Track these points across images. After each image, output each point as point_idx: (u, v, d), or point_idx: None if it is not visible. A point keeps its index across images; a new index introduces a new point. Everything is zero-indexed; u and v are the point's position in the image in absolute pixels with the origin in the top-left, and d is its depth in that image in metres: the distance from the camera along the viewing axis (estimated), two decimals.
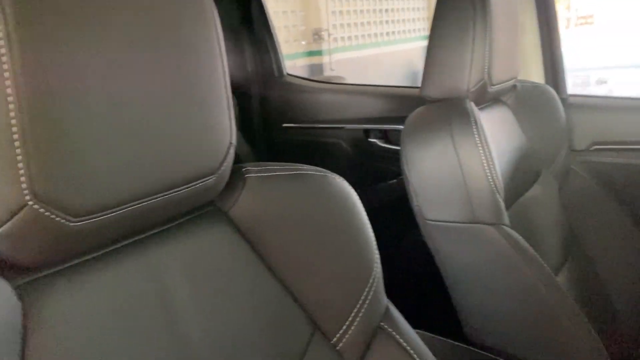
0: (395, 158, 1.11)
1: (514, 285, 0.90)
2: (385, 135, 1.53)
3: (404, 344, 0.64)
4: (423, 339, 0.67)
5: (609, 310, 1.16)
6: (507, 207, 1.01)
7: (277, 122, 1.75)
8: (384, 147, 1.52)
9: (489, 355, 0.92)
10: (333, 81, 1.83)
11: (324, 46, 5.72)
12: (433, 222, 0.95)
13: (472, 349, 0.94)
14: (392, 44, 6.92)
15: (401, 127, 1.01)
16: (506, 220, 0.92)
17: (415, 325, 0.68)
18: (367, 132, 1.56)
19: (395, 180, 1.49)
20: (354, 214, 0.63)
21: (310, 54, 5.69)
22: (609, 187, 1.31)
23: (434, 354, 0.66)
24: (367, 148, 1.55)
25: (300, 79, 1.78)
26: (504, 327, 0.93)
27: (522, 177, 1.13)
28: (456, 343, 0.96)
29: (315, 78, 1.91)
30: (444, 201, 0.93)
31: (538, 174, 1.20)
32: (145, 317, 0.48)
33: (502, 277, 0.91)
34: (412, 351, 0.64)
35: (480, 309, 0.95)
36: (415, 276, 1.22)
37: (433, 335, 0.88)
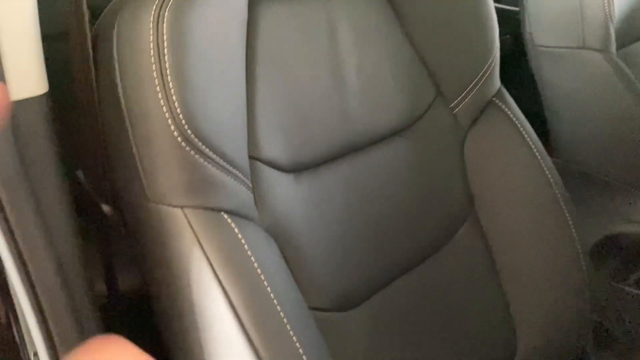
0: None
1: (612, 111, 0.97)
2: None
3: (514, 119, 0.74)
4: None
5: None
6: (621, 46, 1.04)
7: None
8: None
9: (581, 169, 1.02)
10: None
11: None
12: (543, 48, 1.02)
13: (563, 162, 1.04)
14: None
15: None
16: (614, 49, 0.97)
17: None
18: None
19: None
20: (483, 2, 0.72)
21: None
22: None
23: None
24: None
25: None
26: (597, 147, 1.01)
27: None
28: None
29: None
30: (557, 26, 0.98)
31: None
32: (318, 46, 0.60)
33: (604, 103, 0.98)
34: (520, 127, 0.74)
35: (577, 131, 1.03)
36: None
37: None
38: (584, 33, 0.96)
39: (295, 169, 0.56)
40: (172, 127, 0.42)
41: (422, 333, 0.65)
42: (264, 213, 0.52)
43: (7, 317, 0.50)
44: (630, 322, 0.89)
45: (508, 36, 1.51)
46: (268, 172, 0.53)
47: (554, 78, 1.03)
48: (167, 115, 0.42)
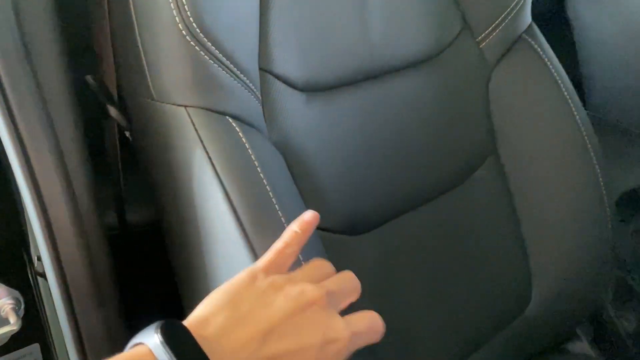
0: None
1: None
2: None
3: (545, 58, 0.71)
4: None
5: None
6: None
7: None
8: None
9: (614, 121, 0.98)
10: None
11: None
12: None
13: (596, 115, 1.01)
14: None
15: None
16: None
17: None
18: None
19: None
20: None
21: None
22: None
23: None
24: None
25: None
26: (632, 100, 0.97)
27: None
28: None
29: None
30: None
31: None
32: None
33: None
34: (552, 67, 0.71)
35: (612, 80, 0.98)
36: None
37: None
38: None
39: (309, 88, 0.55)
40: (178, 20, 0.41)
41: (431, 268, 0.64)
42: (273, 127, 0.51)
43: None
44: None
45: None
46: (279, 87, 0.52)
47: (591, 22, 0.97)
48: (172, 6, 0.41)
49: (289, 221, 0.41)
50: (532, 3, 0.72)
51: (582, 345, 0.78)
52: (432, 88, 0.65)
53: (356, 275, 0.58)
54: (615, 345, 0.81)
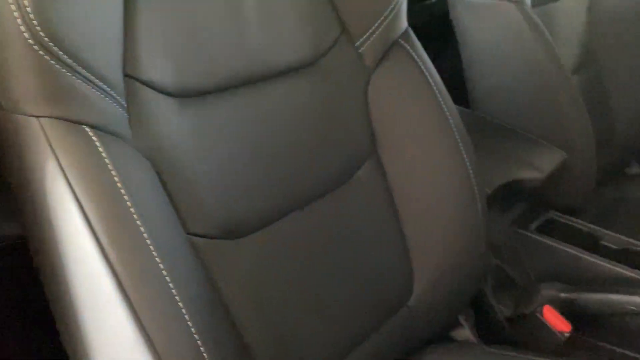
0: None
1: (524, 62, 1.00)
2: None
3: (418, 61, 0.74)
4: None
5: (609, 121, 1.26)
6: (535, 5, 1.07)
7: None
8: None
9: (493, 120, 1.05)
10: None
11: None
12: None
13: (476, 113, 1.07)
14: None
15: None
16: (528, 1, 0.99)
17: None
18: None
19: None
20: None
21: None
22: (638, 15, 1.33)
23: None
24: None
25: None
26: (508, 97, 1.04)
27: None
28: (462, 108, 1.09)
29: None
30: None
31: None
32: None
33: (515, 53, 1.00)
34: (424, 69, 0.74)
35: (490, 81, 1.05)
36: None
37: None
38: None
39: (182, 93, 0.54)
40: (23, 29, 0.40)
41: (316, 268, 0.65)
42: (140, 135, 0.50)
43: None
44: (528, 265, 0.94)
45: None
46: (147, 93, 0.51)
47: (472, 29, 1.04)
48: (16, 15, 0.39)
49: (149, 232, 0.41)
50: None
51: (464, 332, 0.83)
52: (311, 93, 0.66)
53: (238, 279, 0.59)
54: (495, 329, 0.87)
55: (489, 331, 0.87)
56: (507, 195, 0.96)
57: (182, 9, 0.55)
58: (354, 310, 0.69)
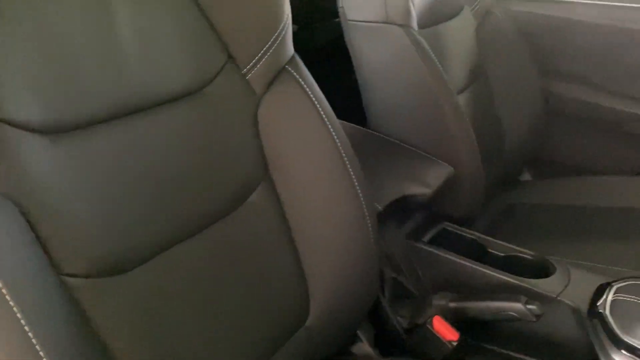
0: None
1: (412, 82, 1.05)
2: None
3: (305, 87, 0.77)
4: None
5: (499, 133, 1.35)
6: (424, 27, 1.13)
7: None
8: None
9: (387, 138, 1.10)
10: None
11: None
12: (353, 22, 1.07)
13: (374, 132, 1.12)
14: None
15: None
16: (414, 25, 1.05)
17: None
18: None
19: None
20: None
21: None
22: (524, 33, 1.44)
23: None
24: None
25: None
26: (399, 116, 1.09)
27: (443, 7, 1.24)
28: (360, 127, 1.13)
29: None
30: (364, 2, 1.04)
31: (460, 9, 1.31)
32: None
33: (404, 74, 1.05)
34: (311, 94, 0.77)
35: (383, 101, 1.10)
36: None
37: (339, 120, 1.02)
38: (387, 9, 1.02)
39: (52, 130, 0.53)
40: None
41: (209, 296, 0.65)
42: (5, 177, 0.48)
43: None
44: (423, 276, 0.98)
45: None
46: (7, 131, 0.49)
47: (364, 51, 1.08)
48: None
49: (5, 279, 0.39)
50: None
51: (363, 347, 0.86)
52: (196, 121, 0.66)
53: (121, 315, 0.57)
54: (393, 341, 0.91)
55: (388, 343, 0.90)
56: (401, 210, 1.00)
57: (48, 37, 0.53)
58: (251, 336, 0.69)
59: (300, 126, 0.76)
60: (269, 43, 0.73)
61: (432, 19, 1.18)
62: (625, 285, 0.78)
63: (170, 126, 0.64)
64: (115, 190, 0.57)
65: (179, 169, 0.64)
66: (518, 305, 0.77)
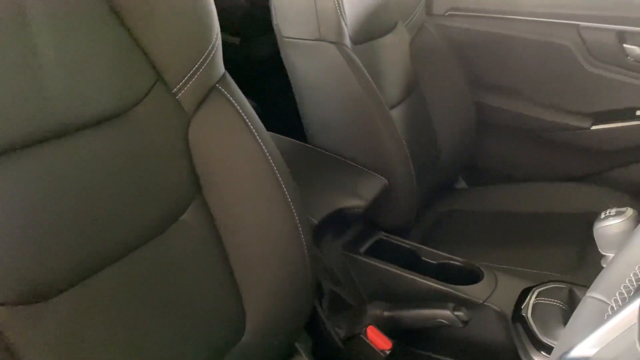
0: None
1: (346, 97, 1.08)
2: None
3: (236, 105, 0.78)
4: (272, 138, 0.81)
5: (433, 144, 1.40)
6: (358, 42, 1.17)
7: None
8: None
9: (325, 152, 1.12)
10: None
11: None
12: (288, 39, 1.09)
13: (312, 146, 1.14)
14: None
15: None
16: (347, 42, 1.08)
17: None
18: None
19: None
20: None
21: None
22: (457, 47, 1.50)
23: (281, 152, 0.80)
24: None
25: None
26: (335, 131, 1.12)
27: (377, 23, 1.28)
28: (299, 142, 1.15)
29: None
30: (297, 19, 1.06)
31: (394, 25, 1.36)
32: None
33: (338, 90, 1.08)
34: (242, 112, 0.78)
35: (320, 116, 1.12)
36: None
37: (279, 135, 1.04)
38: (320, 26, 1.05)
39: None
40: None
41: (140, 318, 0.65)
42: None
43: None
44: (360, 286, 1.01)
45: None
46: None
47: (299, 67, 1.11)
48: None
49: None
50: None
51: (302, 359, 0.87)
52: (123, 143, 0.66)
53: (46, 341, 0.57)
54: (331, 352, 0.92)
55: (326, 355, 0.92)
56: (338, 222, 1.03)
57: None
58: (185, 355, 0.69)
59: (231, 144, 0.77)
60: (199, 62, 0.74)
61: (366, 35, 1.21)
62: (546, 289, 0.83)
63: (96, 149, 0.63)
64: (37, 217, 0.56)
65: (104, 193, 0.63)
66: (446, 312, 0.81)
